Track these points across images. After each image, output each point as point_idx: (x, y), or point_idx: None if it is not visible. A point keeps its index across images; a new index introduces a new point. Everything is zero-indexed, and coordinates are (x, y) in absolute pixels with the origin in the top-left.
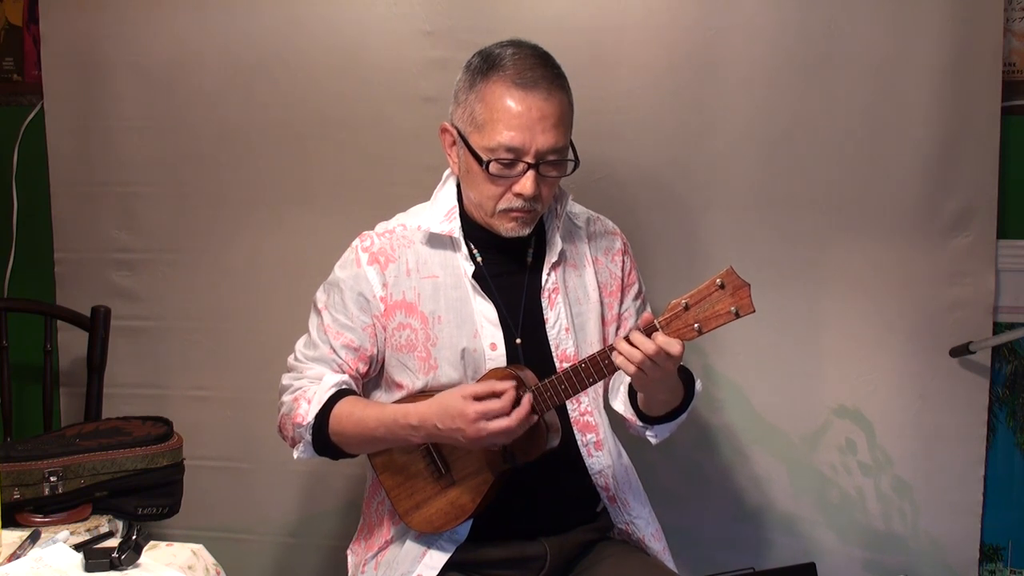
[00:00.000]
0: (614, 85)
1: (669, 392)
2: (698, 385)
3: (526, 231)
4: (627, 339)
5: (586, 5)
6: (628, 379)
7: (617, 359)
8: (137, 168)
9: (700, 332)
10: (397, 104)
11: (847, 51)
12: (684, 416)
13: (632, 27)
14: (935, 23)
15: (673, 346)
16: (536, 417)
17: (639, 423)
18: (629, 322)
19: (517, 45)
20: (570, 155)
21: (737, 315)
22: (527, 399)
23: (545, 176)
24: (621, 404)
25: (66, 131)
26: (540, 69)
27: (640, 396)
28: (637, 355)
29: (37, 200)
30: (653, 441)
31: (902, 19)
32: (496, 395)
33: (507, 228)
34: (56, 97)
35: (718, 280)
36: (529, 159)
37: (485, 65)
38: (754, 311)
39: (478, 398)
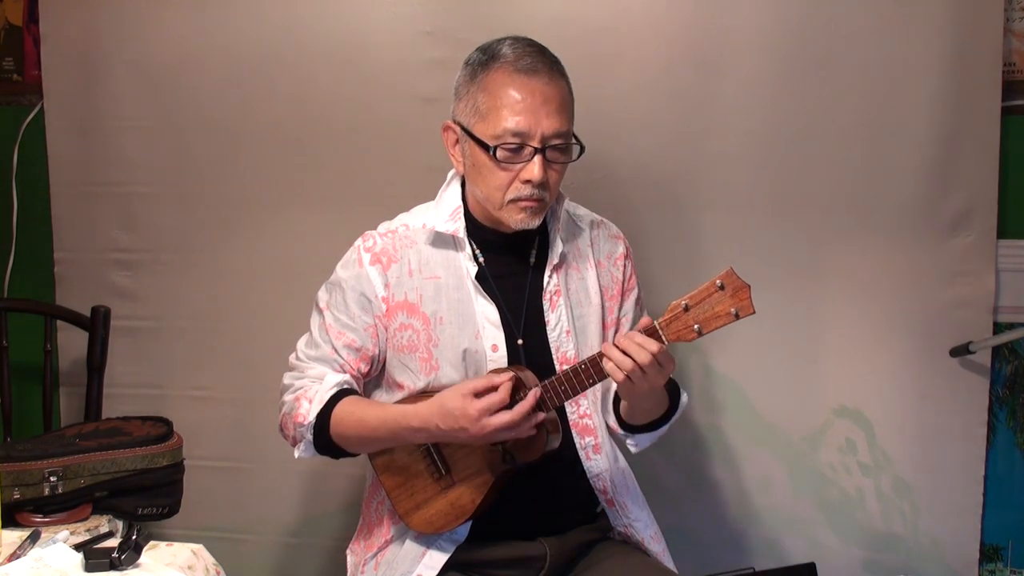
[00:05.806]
0: (613, 85)
1: (653, 403)
2: (684, 398)
3: (536, 222)
4: (619, 347)
5: (586, 5)
6: (614, 386)
7: (607, 365)
8: (137, 168)
9: (700, 333)
10: (397, 104)
11: (847, 51)
12: (665, 428)
13: (631, 27)
14: (935, 23)
15: (666, 358)
16: (541, 415)
17: (620, 431)
18: (626, 326)
19: (513, 39)
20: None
21: (737, 316)
22: (533, 393)
23: (552, 162)
24: (605, 410)
25: (66, 131)
26: (539, 56)
27: (623, 403)
28: (628, 363)
29: (37, 200)
30: (633, 450)
31: (902, 19)
32: (494, 388)
33: (517, 220)
34: (56, 97)
35: (718, 281)
36: (535, 143)
37: (485, 57)
38: (754, 312)
39: (477, 394)
